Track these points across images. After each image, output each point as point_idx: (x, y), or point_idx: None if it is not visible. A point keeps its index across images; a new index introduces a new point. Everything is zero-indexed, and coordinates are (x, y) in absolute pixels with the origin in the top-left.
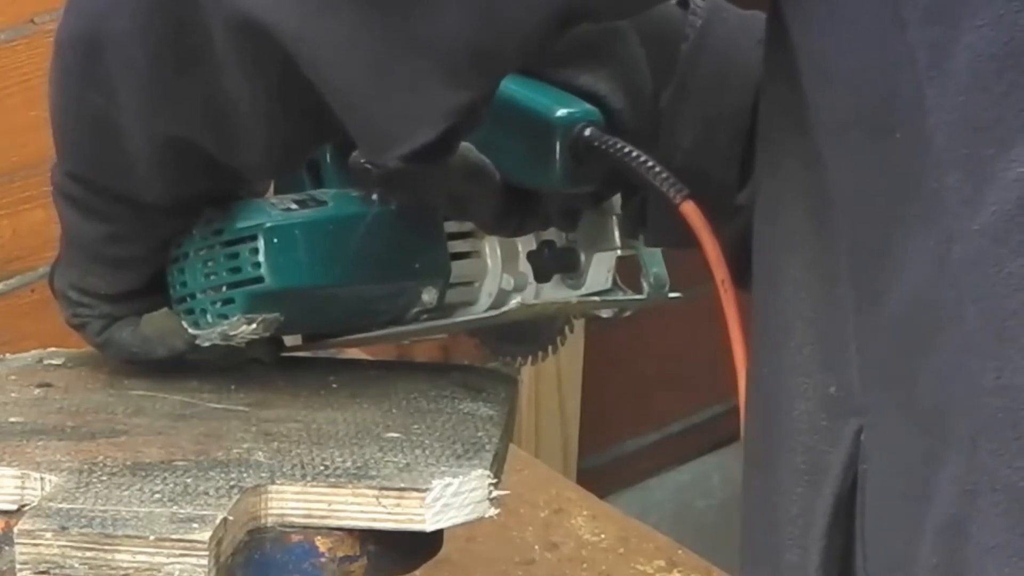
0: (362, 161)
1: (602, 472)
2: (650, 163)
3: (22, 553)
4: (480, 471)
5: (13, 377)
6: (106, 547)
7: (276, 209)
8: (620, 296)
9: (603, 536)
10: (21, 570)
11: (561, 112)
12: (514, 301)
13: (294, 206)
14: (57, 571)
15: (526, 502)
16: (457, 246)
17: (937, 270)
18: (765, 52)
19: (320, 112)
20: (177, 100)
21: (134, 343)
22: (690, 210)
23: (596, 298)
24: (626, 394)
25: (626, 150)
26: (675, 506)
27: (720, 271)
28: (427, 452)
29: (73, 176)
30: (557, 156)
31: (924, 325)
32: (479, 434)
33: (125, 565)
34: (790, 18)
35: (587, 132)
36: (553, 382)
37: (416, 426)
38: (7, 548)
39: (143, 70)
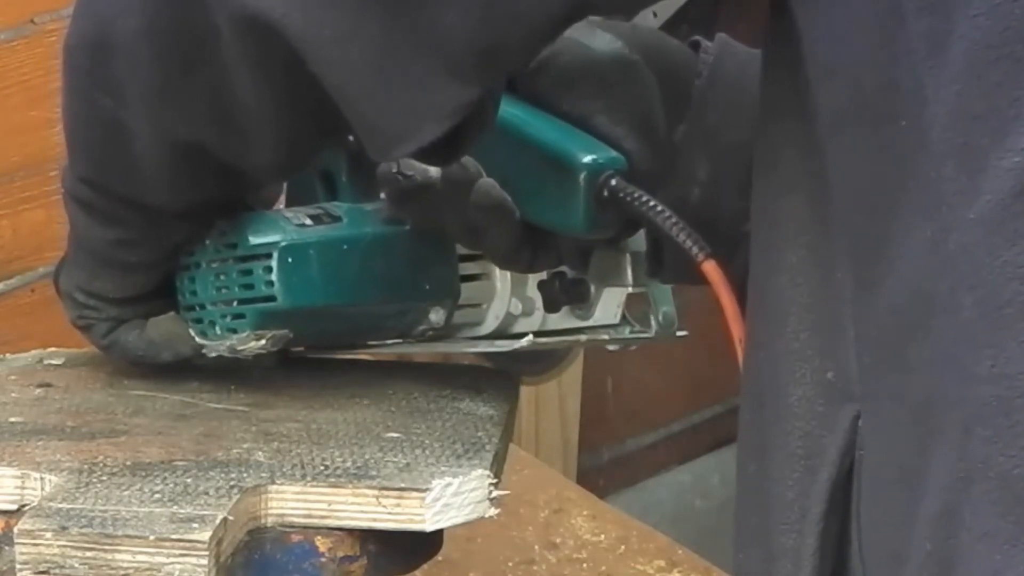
0: (391, 172)
1: (602, 472)
2: (673, 219)
3: (22, 553)
4: (480, 471)
5: (13, 377)
6: (106, 547)
7: (291, 224)
8: (627, 334)
9: (603, 536)
10: (21, 570)
11: (587, 159)
12: (526, 339)
13: (308, 221)
14: (57, 571)
15: (526, 502)
16: (467, 268)
17: (933, 259)
18: (765, 45)
19: (327, 110)
20: (185, 100)
21: (140, 346)
22: (711, 268)
23: (604, 335)
24: (626, 394)
25: (650, 204)
26: (675, 506)
27: (738, 330)
28: (427, 452)
29: (84, 179)
30: (581, 203)
31: (919, 314)
32: (479, 434)
33: (125, 565)
34: (797, 8)
35: (613, 182)
36: (553, 382)
37: (416, 426)
38: (7, 548)
39: (151, 71)
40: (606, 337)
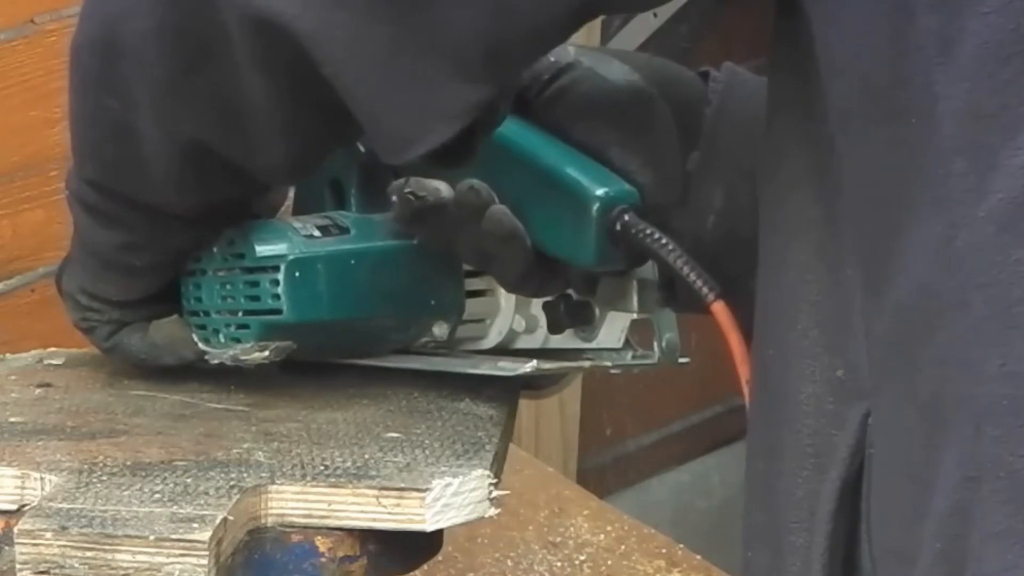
0: (403, 192)
1: (602, 472)
2: (684, 257)
3: (22, 553)
4: (480, 471)
5: (13, 377)
6: (106, 547)
7: (298, 236)
8: (630, 359)
9: (603, 536)
10: (21, 570)
11: (600, 191)
12: (530, 365)
13: (316, 232)
14: (57, 571)
15: (526, 502)
16: (473, 283)
17: (942, 257)
18: (772, 44)
19: (336, 111)
20: (193, 101)
21: (142, 349)
22: (719, 309)
23: (607, 362)
24: (626, 394)
25: (662, 241)
26: (675, 506)
27: (745, 371)
28: (427, 452)
29: (90, 182)
30: (592, 236)
31: (927, 312)
32: (479, 434)
33: (125, 565)
34: (807, 5)
35: (626, 216)
36: None
37: (416, 426)
38: (7, 548)
39: (159, 72)
40: (608, 363)
